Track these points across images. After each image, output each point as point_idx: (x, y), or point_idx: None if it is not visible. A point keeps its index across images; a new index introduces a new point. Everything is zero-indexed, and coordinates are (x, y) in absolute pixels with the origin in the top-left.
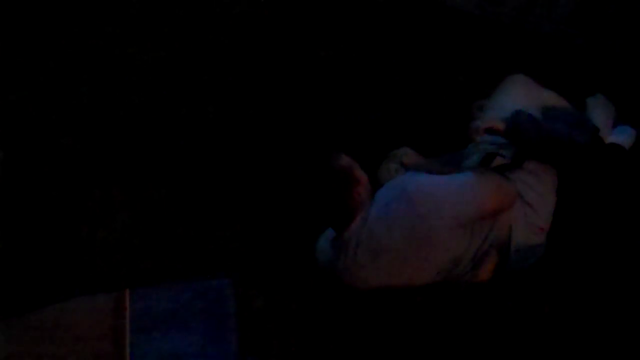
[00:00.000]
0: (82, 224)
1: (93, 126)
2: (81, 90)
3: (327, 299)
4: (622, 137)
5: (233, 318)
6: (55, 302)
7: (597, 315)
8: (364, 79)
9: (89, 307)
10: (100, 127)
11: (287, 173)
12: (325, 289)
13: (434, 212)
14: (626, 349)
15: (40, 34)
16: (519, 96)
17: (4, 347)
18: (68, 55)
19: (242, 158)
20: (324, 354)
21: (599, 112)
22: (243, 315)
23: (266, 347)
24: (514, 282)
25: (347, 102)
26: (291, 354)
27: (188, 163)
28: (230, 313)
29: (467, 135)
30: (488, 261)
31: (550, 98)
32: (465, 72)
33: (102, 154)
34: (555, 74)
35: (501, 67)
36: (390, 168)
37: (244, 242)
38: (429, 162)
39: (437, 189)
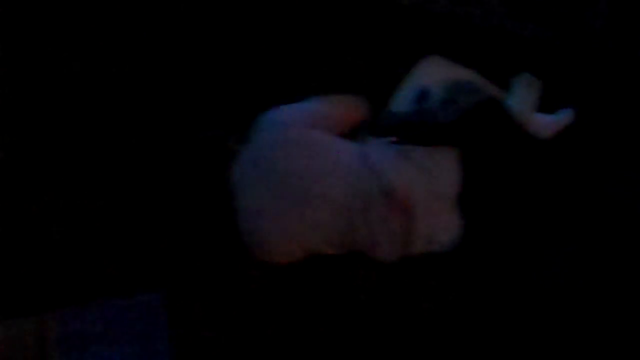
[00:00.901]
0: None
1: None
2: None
3: (267, 305)
4: (549, 117)
5: (166, 331)
6: None
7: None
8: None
9: (10, 335)
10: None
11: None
12: (265, 294)
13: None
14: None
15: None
16: (428, 75)
17: None
18: None
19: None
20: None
21: (521, 92)
22: (179, 327)
23: (204, 357)
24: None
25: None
26: None
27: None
28: (162, 327)
29: None
30: (389, 231)
31: (463, 75)
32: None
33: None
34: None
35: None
36: None
37: (173, 254)
38: None
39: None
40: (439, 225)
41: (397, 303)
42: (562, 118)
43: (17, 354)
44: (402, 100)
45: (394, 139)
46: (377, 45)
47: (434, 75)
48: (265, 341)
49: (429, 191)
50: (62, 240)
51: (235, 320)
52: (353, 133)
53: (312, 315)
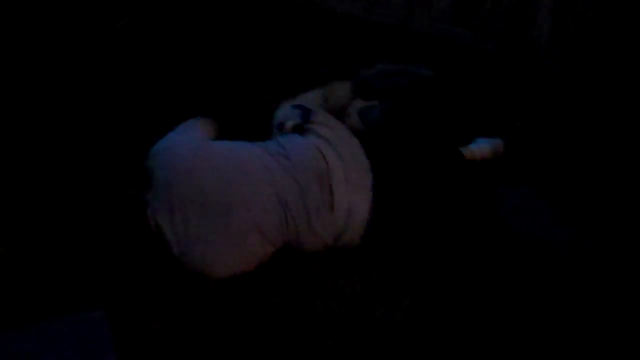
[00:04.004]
0: None
1: None
2: None
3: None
4: (482, 142)
5: (111, 350)
6: None
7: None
8: None
9: None
10: None
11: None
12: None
13: None
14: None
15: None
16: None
17: None
18: None
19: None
20: None
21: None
22: (125, 346)
23: None
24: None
25: None
26: None
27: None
28: (107, 344)
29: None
30: (322, 215)
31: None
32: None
33: None
34: None
35: None
36: None
37: (115, 268)
38: None
39: None
40: (356, 199)
41: (355, 310)
42: (493, 146)
43: None
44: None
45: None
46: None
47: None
48: (218, 356)
49: (342, 168)
50: (2, 259)
51: (190, 333)
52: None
53: (268, 328)
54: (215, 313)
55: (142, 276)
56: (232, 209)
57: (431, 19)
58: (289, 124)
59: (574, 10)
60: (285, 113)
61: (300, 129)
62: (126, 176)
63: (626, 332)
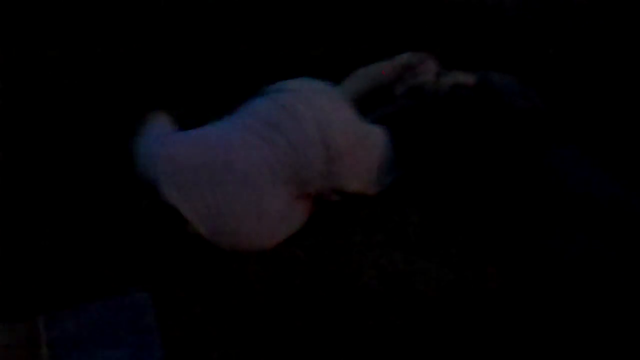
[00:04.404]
0: None
1: None
2: None
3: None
4: None
5: (157, 332)
6: None
7: None
8: None
9: (1, 340)
10: None
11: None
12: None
13: None
14: None
15: None
16: None
17: None
18: None
19: None
20: None
21: None
22: (170, 328)
23: (198, 356)
24: None
25: None
26: None
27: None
28: (152, 327)
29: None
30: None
31: None
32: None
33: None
34: None
35: None
36: None
37: (160, 252)
38: None
39: None
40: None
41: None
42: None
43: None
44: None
45: None
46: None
47: None
48: (262, 337)
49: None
50: (50, 245)
51: (231, 317)
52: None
53: (317, 313)
54: (257, 294)
55: (186, 259)
56: (235, 165)
57: None
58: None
59: None
60: None
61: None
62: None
63: None
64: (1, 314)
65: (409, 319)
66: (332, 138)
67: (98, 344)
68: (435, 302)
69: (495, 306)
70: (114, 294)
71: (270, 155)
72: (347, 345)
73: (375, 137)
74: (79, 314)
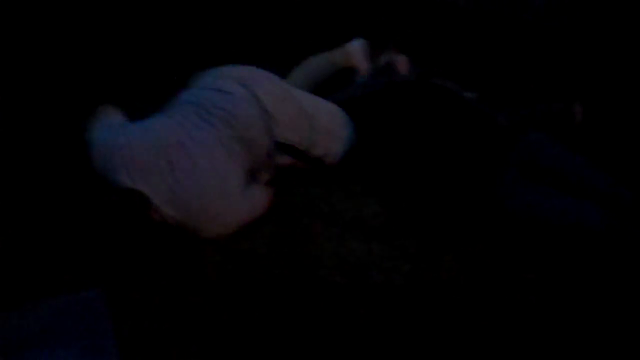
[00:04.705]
0: None
1: None
2: None
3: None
4: None
5: (110, 329)
6: None
7: None
8: None
9: None
10: None
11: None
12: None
13: None
14: None
15: None
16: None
17: None
18: None
19: None
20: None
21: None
22: (124, 326)
23: (151, 355)
24: None
25: None
26: None
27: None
28: (105, 324)
29: None
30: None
31: None
32: None
33: None
34: None
35: None
36: None
37: (112, 247)
38: None
39: None
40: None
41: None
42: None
43: None
44: None
45: None
46: None
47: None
48: (222, 331)
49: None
50: None
51: (189, 312)
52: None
53: (278, 305)
54: (216, 288)
55: (139, 254)
56: (187, 144)
57: None
58: None
59: None
60: None
61: None
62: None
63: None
64: None
65: (369, 309)
66: (260, 91)
67: (50, 343)
68: (394, 292)
69: (452, 295)
70: (65, 292)
71: (215, 134)
72: (308, 336)
73: (298, 94)
74: (30, 314)
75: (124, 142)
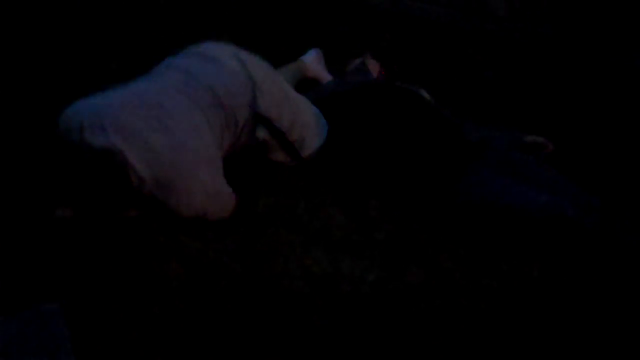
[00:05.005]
0: None
1: None
2: None
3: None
4: None
5: (68, 342)
6: None
7: None
8: None
9: None
10: None
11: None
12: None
13: None
14: None
15: None
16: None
17: None
18: None
19: None
20: None
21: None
22: (83, 337)
23: None
24: None
25: None
26: None
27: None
28: (64, 337)
29: None
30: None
31: None
32: None
33: None
34: None
35: None
36: None
37: (69, 261)
38: None
39: None
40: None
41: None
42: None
43: None
44: None
45: None
46: None
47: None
48: (184, 342)
49: None
50: None
51: (151, 322)
52: None
53: (242, 316)
54: (178, 298)
55: (98, 266)
56: (166, 105)
57: None
58: None
59: None
60: None
61: None
62: None
63: None
64: None
65: (335, 319)
66: (249, 62)
67: (8, 358)
68: (360, 301)
69: (419, 303)
70: (21, 306)
71: (196, 98)
72: (274, 347)
73: (286, 85)
74: None
75: (101, 102)
